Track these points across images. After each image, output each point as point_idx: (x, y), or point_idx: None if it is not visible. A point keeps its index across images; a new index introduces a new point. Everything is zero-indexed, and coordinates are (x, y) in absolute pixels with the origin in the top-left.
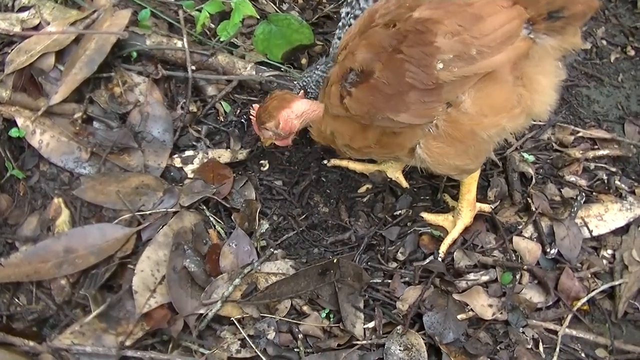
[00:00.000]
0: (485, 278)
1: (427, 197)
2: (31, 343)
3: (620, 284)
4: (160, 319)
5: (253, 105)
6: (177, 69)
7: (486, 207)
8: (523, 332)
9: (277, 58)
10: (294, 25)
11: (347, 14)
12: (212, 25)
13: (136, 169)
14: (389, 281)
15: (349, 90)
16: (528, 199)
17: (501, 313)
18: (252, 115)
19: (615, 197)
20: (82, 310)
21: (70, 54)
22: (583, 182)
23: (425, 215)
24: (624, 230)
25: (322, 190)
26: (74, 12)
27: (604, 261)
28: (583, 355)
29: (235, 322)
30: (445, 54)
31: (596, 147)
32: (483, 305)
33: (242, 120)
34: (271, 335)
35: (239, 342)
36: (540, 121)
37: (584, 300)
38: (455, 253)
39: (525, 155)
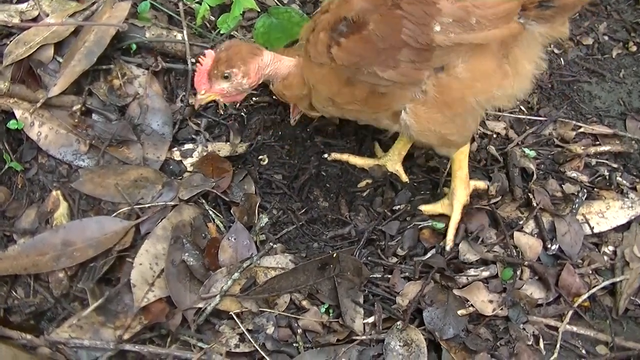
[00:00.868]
0: (485, 274)
1: (427, 192)
2: (28, 336)
3: (621, 281)
4: (159, 312)
5: (205, 52)
6: (177, 62)
7: (481, 184)
8: (523, 328)
9: None
10: (294, 18)
11: None
12: (212, 18)
13: (135, 162)
14: (389, 276)
15: (337, 39)
16: (529, 194)
17: (501, 309)
18: (200, 63)
19: (617, 193)
20: (80, 304)
21: (69, 45)
22: (584, 178)
23: (424, 208)
24: (625, 227)
25: (321, 184)
26: (73, 3)
27: (605, 257)
28: (584, 351)
29: (234, 316)
30: (445, 17)
31: (597, 143)
32: (483, 301)
33: (242, 113)
34: (270, 329)
35: (238, 336)
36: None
37: (585, 296)
38: (460, 245)
39: (527, 150)
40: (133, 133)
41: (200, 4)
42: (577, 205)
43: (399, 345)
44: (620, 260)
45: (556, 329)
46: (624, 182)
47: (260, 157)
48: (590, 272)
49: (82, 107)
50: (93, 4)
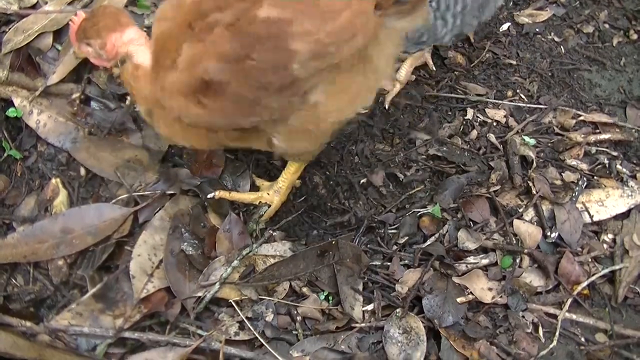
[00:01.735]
0: (485, 261)
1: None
2: (28, 323)
3: (620, 269)
4: (158, 302)
5: (77, 13)
6: None
7: (297, 182)
8: (523, 316)
9: None
10: None
11: None
12: None
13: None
14: (389, 264)
15: (201, 100)
16: (529, 182)
17: (501, 297)
18: (73, 24)
19: (617, 181)
20: (80, 291)
21: (68, 33)
22: (584, 166)
23: (235, 195)
24: (625, 215)
25: (321, 172)
26: None
27: (605, 245)
28: (583, 339)
29: (234, 304)
30: (303, 56)
31: (597, 131)
32: (483, 288)
33: None
34: (269, 317)
35: (237, 324)
36: None
37: (584, 284)
38: (459, 233)
39: (526, 138)
40: (132, 122)
41: None
42: (576, 193)
43: (398, 333)
44: (619, 248)
45: (555, 316)
46: (624, 170)
47: None
48: (590, 260)
49: (81, 95)
50: None
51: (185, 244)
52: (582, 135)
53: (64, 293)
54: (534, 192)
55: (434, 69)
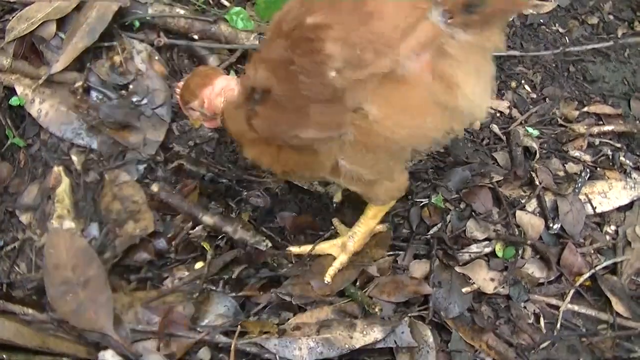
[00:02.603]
0: (487, 250)
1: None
2: (31, 311)
3: (622, 260)
4: None
5: (177, 83)
6: (180, 38)
7: (382, 227)
8: (524, 307)
9: None
10: None
11: None
12: None
13: (134, 146)
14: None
15: (255, 110)
16: (532, 173)
17: (503, 287)
18: (177, 95)
19: (620, 173)
20: None
21: (72, 22)
22: (587, 158)
23: (319, 246)
24: (627, 207)
25: None
26: None
27: (607, 237)
28: (584, 330)
29: None
30: (337, 61)
31: (601, 122)
32: (485, 279)
33: None
34: None
35: None
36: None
37: (586, 276)
38: (468, 223)
39: (530, 129)
40: (138, 119)
41: None
42: (579, 184)
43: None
44: (622, 240)
45: (557, 307)
46: (627, 162)
47: None
48: (592, 251)
49: (83, 84)
50: None
51: None
52: (586, 127)
53: None
54: (537, 183)
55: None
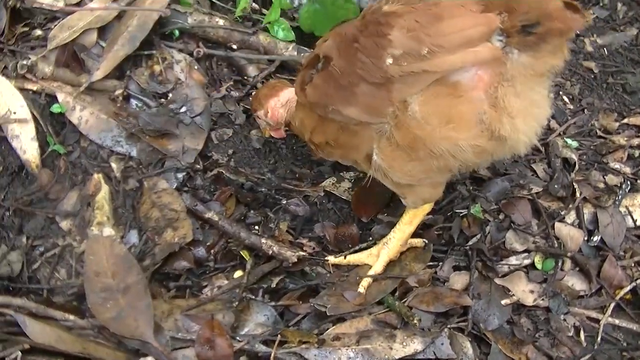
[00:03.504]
0: (526, 262)
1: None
2: (71, 317)
3: None
4: None
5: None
6: (219, 48)
7: (418, 242)
8: (564, 320)
9: None
10: (338, 2)
11: None
12: (256, 6)
13: (173, 154)
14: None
15: (311, 77)
16: (572, 184)
17: (542, 299)
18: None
19: None
20: None
21: (112, 30)
22: (627, 170)
23: (350, 258)
24: None
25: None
26: None
27: None
28: (625, 344)
29: None
30: (396, 49)
31: None
32: (524, 290)
33: None
34: None
35: None
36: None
37: (627, 289)
38: (507, 234)
39: (569, 141)
40: (177, 127)
41: None
42: (620, 196)
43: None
44: None
45: (597, 321)
46: None
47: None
48: (633, 264)
49: (123, 92)
50: None
51: None
52: (626, 138)
53: None
54: (577, 195)
55: None
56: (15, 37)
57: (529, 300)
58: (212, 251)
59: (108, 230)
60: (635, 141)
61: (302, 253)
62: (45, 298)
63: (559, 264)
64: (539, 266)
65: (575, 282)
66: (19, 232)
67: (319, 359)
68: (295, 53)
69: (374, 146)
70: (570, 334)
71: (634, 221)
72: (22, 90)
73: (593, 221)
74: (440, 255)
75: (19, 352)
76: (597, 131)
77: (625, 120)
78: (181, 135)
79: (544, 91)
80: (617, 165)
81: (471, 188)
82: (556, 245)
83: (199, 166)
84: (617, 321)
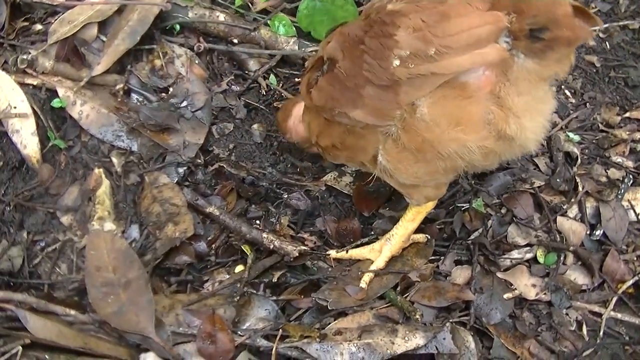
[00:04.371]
0: (529, 256)
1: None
2: (72, 312)
3: None
4: None
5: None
6: (219, 42)
7: (420, 237)
8: (566, 314)
9: (321, 36)
10: (338, 1)
11: None
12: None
13: (174, 148)
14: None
15: (316, 79)
16: (574, 178)
17: (544, 294)
18: None
19: None
20: None
21: (113, 24)
22: (630, 164)
23: (352, 252)
24: None
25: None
26: None
27: None
28: (627, 338)
29: None
30: (403, 50)
31: None
32: (526, 284)
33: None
34: None
35: None
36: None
37: (630, 283)
38: (509, 228)
39: (571, 135)
40: (178, 122)
41: None
42: (622, 190)
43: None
44: None
45: (600, 315)
46: None
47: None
48: (635, 258)
49: (124, 86)
50: None
51: None
52: (628, 132)
53: None
54: (580, 188)
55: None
56: (16, 32)
57: (531, 294)
58: (213, 246)
59: (109, 225)
60: (638, 135)
61: (303, 247)
62: (46, 293)
63: (561, 258)
64: (541, 260)
65: (578, 276)
66: (20, 227)
67: (321, 354)
68: (297, 47)
69: (379, 148)
70: (573, 328)
71: (637, 215)
72: (22, 84)
73: (595, 215)
74: (442, 250)
75: (20, 347)
76: (599, 125)
77: (627, 114)
78: (182, 129)
79: (547, 87)
80: (619, 159)
81: (473, 182)
82: (558, 239)
83: (200, 161)
84: (619, 315)
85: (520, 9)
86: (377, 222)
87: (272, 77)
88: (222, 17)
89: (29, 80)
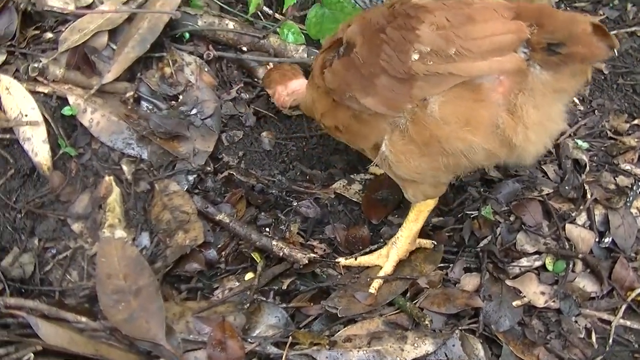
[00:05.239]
0: (537, 263)
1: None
2: (84, 319)
3: None
4: None
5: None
6: (229, 50)
7: (427, 243)
8: (575, 321)
9: None
10: (346, 9)
11: None
12: (266, 10)
13: (184, 156)
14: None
15: (331, 61)
16: (583, 186)
17: (553, 301)
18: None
19: None
20: None
21: (123, 32)
22: (638, 171)
23: (361, 259)
24: None
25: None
26: None
27: None
28: (637, 346)
29: None
30: (423, 45)
31: None
32: (535, 292)
33: None
34: None
35: None
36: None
37: (639, 290)
38: (518, 236)
39: (579, 142)
40: (187, 129)
41: None
42: (631, 198)
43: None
44: None
45: (609, 322)
46: None
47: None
48: None
49: (134, 94)
50: None
51: None
52: (636, 140)
53: None
54: (588, 196)
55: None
56: (27, 40)
57: (540, 301)
58: (223, 253)
59: (119, 233)
60: None
61: (312, 255)
62: (58, 300)
63: (570, 265)
64: (550, 268)
65: (587, 284)
66: (31, 235)
67: None
68: (305, 55)
69: (384, 137)
70: (582, 335)
71: None
72: (33, 92)
73: (604, 222)
74: (451, 257)
75: (32, 354)
76: (608, 132)
77: (636, 122)
78: (192, 137)
79: (561, 106)
80: (628, 167)
81: (482, 190)
82: (567, 246)
83: (209, 168)
84: (628, 323)
85: (541, 22)
86: (385, 229)
87: None
88: (231, 25)
89: (40, 88)
